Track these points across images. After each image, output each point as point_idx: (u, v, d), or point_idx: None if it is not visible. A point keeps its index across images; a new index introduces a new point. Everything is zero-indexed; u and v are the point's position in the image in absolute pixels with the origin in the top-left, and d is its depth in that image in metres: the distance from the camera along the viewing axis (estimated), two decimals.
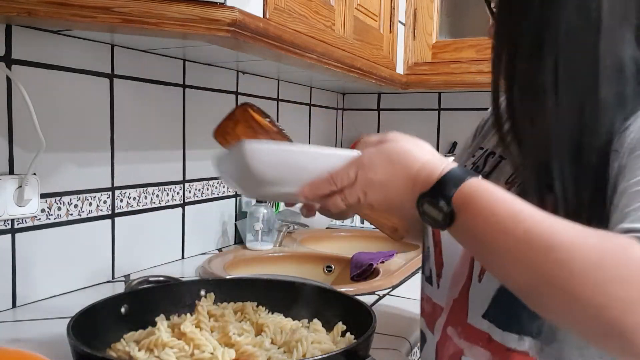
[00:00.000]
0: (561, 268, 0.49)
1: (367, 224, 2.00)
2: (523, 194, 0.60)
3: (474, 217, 0.56)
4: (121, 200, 1.24)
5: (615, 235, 0.50)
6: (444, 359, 0.75)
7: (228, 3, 0.92)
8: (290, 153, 0.67)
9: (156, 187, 1.35)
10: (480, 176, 0.61)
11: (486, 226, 0.55)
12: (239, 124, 0.81)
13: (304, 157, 0.67)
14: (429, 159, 0.62)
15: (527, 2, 0.65)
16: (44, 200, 1.06)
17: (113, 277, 1.24)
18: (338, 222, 2.03)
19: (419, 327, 0.86)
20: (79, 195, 1.14)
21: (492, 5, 0.71)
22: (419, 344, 0.87)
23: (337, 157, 0.66)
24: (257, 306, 0.84)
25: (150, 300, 0.82)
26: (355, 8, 1.49)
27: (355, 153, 0.66)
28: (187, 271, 1.34)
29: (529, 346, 0.65)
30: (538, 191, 0.62)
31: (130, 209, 1.27)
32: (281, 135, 0.77)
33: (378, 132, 2.30)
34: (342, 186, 0.64)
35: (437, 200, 0.58)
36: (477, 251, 0.59)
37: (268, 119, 0.79)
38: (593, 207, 0.59)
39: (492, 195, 0.56)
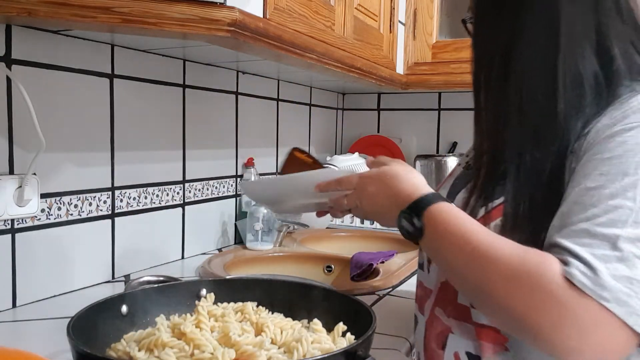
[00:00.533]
0: (489, 279, 0.62)
1: (367, 224, 2.01)
2: (484, 200, 0.74)
3: (436, 233, 0.70)
4: (121, 200, 1.24)
5: (537, 253, 0.60)
6: (432, 337, 0.80)
7: (228, 3, 0.92)
8: (272, 181, 1.06)
9: (156, 187, 1.35)
10: (452, 202, 0.76)
11: (444, 241, 0.68)
12: (290, 162, 1.07)
13: (281, 181, 0.99)
14: (414, 182, 0.77)
15: (496, 23, 0.75)
16: (44, 200, 1.07)
17: (113, 277, 1.24)
18: (338, 222, 2.03)
19: (412, 314, 0.92)
20: (79, 195, 1.14)
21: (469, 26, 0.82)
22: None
23: (304, 176, 0.91)
24: (257, 306, 0.84)
25: (150, 300, 0.82)
26: (355, 8, 1.49)
27: (316, 172, 0.91)
28: (187, 271, 1.34)
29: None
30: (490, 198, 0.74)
31: (130, 209, 1.27)
32: (318, 165, 1.07)
33: (378, 132, 2.30)
34: (345, 188, 0.86)
35: (411, 217, 0.72)
36: (437, 261, 0.73)
37: (308, 156, 1.10)
38: (545, 208, 0.66)
39: (453, 217, 0.69)
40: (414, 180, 0.77)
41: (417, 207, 0.72)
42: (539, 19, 0.70)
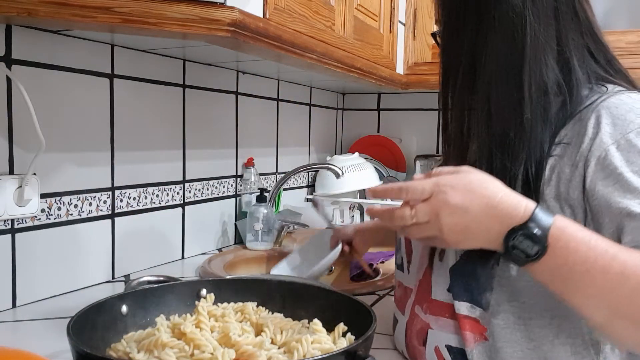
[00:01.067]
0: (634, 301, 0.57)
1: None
2: None
3: (566, 252, 0.59)
4: (121, 200, 1.24)
5: None
6: (413, 335, 0.82)
7: (228, 3, 0.92)
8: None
9: (156, 187, 1.35)
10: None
11: (578, 262, 0.59)
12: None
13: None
14: (506, 192, 0.63)
15: (462, 34, 0.76)
16: (44, 200, 1.07)
17: (113, 277, 1.24)
18: (338, 222, 2.03)
19: (392, 312, 0.93)
20: (79, 195, 1.14)
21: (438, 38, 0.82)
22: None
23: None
24: (257, 306, 0.84)
25: (150, 300, 0.81)
26: (355, 8, 1.49)
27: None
28: (187, 271, 1.34)
29: (479, 315, 0.74)
30: None
31: (130, 209, 1.27)
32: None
33: (378, 132, 2.30)
34: (412, 198, 0.64)
35: (534, 234, 0.59)
36: (565, 284, 0.61)
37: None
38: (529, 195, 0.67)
39: (579, 231, 0.61)
40: (505, 190, 0.64)
41: (540, 223, 0.60)
42: (503, 30, 0.72)
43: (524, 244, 0.60)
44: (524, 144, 0.71)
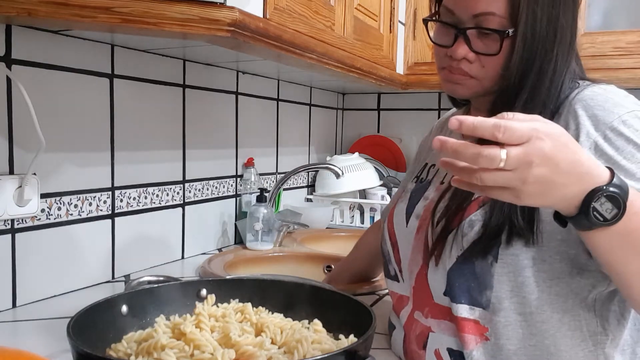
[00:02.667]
0: None
1: (367, 224, 2.00)
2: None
3: (639, 219, 0.59)
4: (121, 200, 1.24)
5: None
6: (412, 339, 0.83)
7: (228, 3, 0.92)
8: None
9: (156, 187, 1.35)
10: (412, 212, 0.86)
11: None
12: None
13: None
14: (585, 150, 0.61)
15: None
16: (44, 200, 1.06)
17: (113, 277, 1.24)
18: (338, 222, 2.03)
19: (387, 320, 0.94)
20: (79, 195, 1.14)
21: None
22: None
23: None
24: (257, 306, 0.84)
25: (150, 300, 0.81)
26: (355, 8, 1.49)
27: None
28: (187, 271, 1.34)
29: (479, 315, 0.75)
30: None
31: (130, 209, 1.27)
32: None
33: (378, 132, 2.30)
34: (508, 139, 0.54)
35: (616, 196, 0.57)
36: (620, 252, 0.60)
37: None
38: None
39: None
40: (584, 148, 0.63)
41: (621, 186, 0.57)
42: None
43: (605, 205, 0.57)
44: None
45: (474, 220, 0.76)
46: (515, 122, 0.55)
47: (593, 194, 0.57)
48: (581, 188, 0.57)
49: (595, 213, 0.57)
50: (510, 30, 0.75)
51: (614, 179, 0.57)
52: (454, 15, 0.79)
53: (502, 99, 0.79)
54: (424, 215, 0.85)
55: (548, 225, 0.72)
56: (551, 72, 0.76)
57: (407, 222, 0.88)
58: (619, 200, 0.57)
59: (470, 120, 0.56)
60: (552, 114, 0.75)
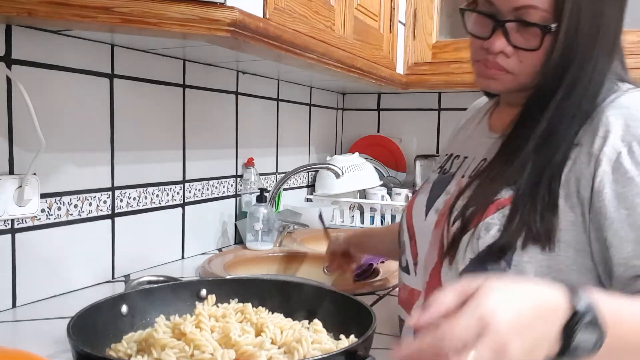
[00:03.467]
0: None
1: (367, 224, 2.00)
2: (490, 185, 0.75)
3: (620, 336, 0.54)
4: (121, 200, 1.24)
5: None
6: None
7: (228, 3, 0.92)
8: None
9: (156, 187, 1.35)
10: (432, 206, 0.83)
11: (632, 342, 0.55)
12: None
13: None
14: (536, 285, 0.56)
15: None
16: (44, 200, 1.06)
17: (113, 277, 1.24)
18: (338, 222, 2.03)
19: (397, 315, 0.93)
20: (79, 195, 1.14)
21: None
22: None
23: None
24: (257, 306, 0.84)
25: (150, 300, 0.81)
26: (355, 8, 1.49)
27: None
28: (187, 271, 1.34)
29: None
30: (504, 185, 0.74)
31: (130, 209, 1.27)
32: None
33: (378, 132, 2.30)
34: (461, 349, 0.48)
35: (591, 322, 0.52)
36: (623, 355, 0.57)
37: None
38: (547, 195, 0.71)
39: (623, 306, 0.57)
40: (531, 283, 0.56)
41: (590, 310, 0.52)
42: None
43: (583, 338, 0.52)
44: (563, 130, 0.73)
45: (491, 224, 0.74)
46: (455, 327, 0.49)
47: (570, 329, 0.52)
48: (552, 329, 0.52)
49: (579, 347, 0.53)
50: (553, 25, 0.72)
51: (588, 306, 0.52)
52: (493, 6, 0.75)
53: (537, 97, 0.76)
54: (442, 211, 0.83)
55: (566, 234, 0.70)
56: (590, 71, 0.73)
57: (426, 215, 0.86)
58: (594, 324, 0.52)
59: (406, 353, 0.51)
60: (585, 117, 0.72)
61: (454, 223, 0.78)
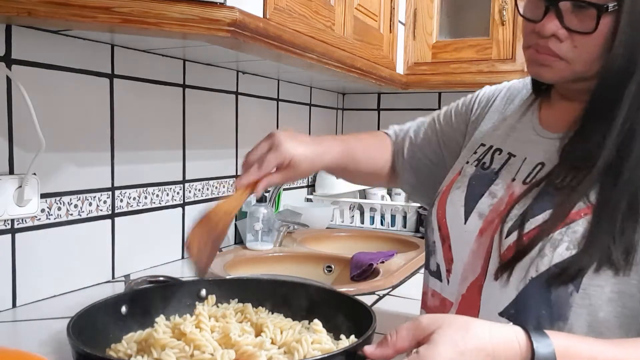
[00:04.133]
0: None
1: (367, 224, 2.00)
2: (567, 197, 0.67)
3: None
4: (121, 200, 1.24)
5: None
6: None
7: (228, 3, 0.92)
8: None
9: (156, 187, 1.35)
10: (474, 207, 0.74)
11: None
12: None
13: None
14: (490, 332, 0.57)
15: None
16: (44, 200, 1.06)
17: (113, 277, 1.24)
18: (338, 222, 2.03)
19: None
20: (79, 195, 1.14)
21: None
22: None
23: None
24: (257, 306, 0.84)
25: (150, 300, 0.81)
26: (355, 8, 1.49)
27: None
28: (187, 271, 1.34)
29: None
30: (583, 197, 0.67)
31: (130, 209, 1.27)
32: None
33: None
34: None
35: None
36: None
37: None
38: (628, 209, 0.64)
39: (585, 345, 0.57)
40: (487, 328, 0.57)
41: (548, 355, 0.55)
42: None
43: None
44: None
45: (558, 240, 0.66)
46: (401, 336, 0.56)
47: None
48: None
49: None
50: (611, 5, 0.64)
51: (535, 353, 0.54)
52: None
53: (604, 89, 0.68)
54: (490, 217, 0.75)
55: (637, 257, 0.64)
56: None
57: (465, 219, 0.77)
58: None
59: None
60: None
61: (508, 235, 0.70)
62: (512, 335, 0.56)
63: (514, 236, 0.70)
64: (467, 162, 0.84)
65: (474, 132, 0.89)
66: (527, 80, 0.86)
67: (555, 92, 0.81)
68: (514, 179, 0.76)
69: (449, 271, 0.79)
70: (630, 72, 0.66)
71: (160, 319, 0.76)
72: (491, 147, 0.83)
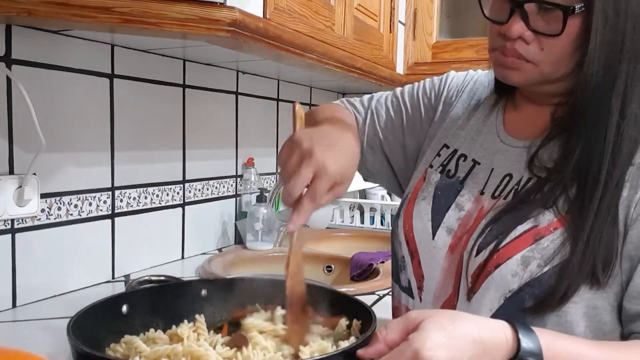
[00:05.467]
0: None
1: (367, 224, 2.00)
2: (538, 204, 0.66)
3: None
4: (121, 200, 1.24)
5: None
6: None
7: (228, 3, 0.92)
8: None
9: (156, 187, 1.35)
10: (442, 219, 0.72)
11: None
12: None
13: None
14: (478, 325, 0.58)
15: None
16: (44, 200, 1.06)
17: (113, 277, 1.24)
18: (338, 222, 2.03)
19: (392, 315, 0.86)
20: (79, 195, 1.14)
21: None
22: None
23: None
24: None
25: (151, 300, 0.81)
26: (355, 8, 1.49)
27: None
28: (187, 271, 1.34)
29: None
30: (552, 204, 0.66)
31: (130, 209, 1.27)
32: None
33: None
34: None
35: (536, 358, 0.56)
36: None
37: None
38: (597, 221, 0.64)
39: (569, 344, 0.58)
40: (475, 321, 0.58)
41: (532, 351, 0.56)
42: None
43: None
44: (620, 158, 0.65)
45: (529, 257, 0.65)
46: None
47: None
48: None
49: None
50: (578, 6, 0.62)
51: (521, 346, 0.56)
52: None
53: (582, 101, 0.65)
54: (458, 232, 0.73)
55: (616, 268, 0.64)
56: None
57: (433, 234, 0.75)
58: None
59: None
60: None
61: (478, 253, 0.69)
62: (499, 327, 0.58)
63: (483, 255, 0.68)
64: (431, 167, 0.82)
65: (440, 125, 0.86)
66: (492, 76, 0.83)
67: (519, 93, 0.78)
68: (482, 192, 0.74)
69: (420, 288, 0.77)
70: (611, 76, 0.64)
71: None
72: (455, 151, 0.81)
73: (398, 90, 0.93)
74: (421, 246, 0.77)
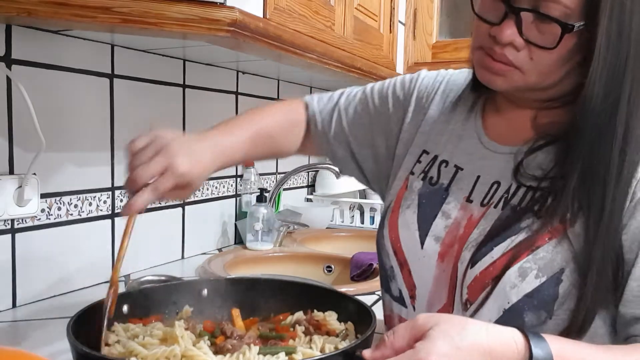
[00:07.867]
0: None
1: (367, 224, 2.00)
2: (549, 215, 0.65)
3: None
4: (121, 200, 1.24)
5: None
6: None
7: (228, 3, 0.92)
8: None
9: None
10: (429, 229, 0.71)
11: None
12: None
13: None
14: (488, 331, 0.57)
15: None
16: (44, 200, 1.06)
17: None
18: (338, 222, 2.03)
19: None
20: (79, 195, 1.14)
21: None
22: None
23: None
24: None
25: (151, 300, 0.81)
26: (355, 8, 1.49)
27: None
28: (187, 271, 1.34)
29: None
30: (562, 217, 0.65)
31: None
32: None
33: None
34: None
35: None
36: None
37: None
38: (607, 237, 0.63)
39: (581, 351, 0.58)
40: (484, 329, 0.57)
41: (546, 357, 0.55)
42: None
43: None
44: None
45: (526, 268, 0.65)
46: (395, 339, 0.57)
47: None
48: None
49: None
50: (577, 24, 0.60)
51: (533, 354, 0.55)
52: None
53: (586, 120, 0.63)
54: (447, 240, 0.72)
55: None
56: None
57: (422, 243, 0.74)
58: None
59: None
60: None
61: (473, 264, 0.68)
62: (509, 335, 0.57)
63: (480, 266, 0.68)
64: (413, 173, 0.80)
65: (415, 127, 0.83)
66: (468, 76, 0.81)
67: (500, 95, 0.76)
68: (470, 200, 0.73)
69: (412, 297, 0.77)
70: (613, 97, 0.62)
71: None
72: (436, 157, 0.79)
73: (368, 86, 0.91)
74: (410, 256, 0.76)
